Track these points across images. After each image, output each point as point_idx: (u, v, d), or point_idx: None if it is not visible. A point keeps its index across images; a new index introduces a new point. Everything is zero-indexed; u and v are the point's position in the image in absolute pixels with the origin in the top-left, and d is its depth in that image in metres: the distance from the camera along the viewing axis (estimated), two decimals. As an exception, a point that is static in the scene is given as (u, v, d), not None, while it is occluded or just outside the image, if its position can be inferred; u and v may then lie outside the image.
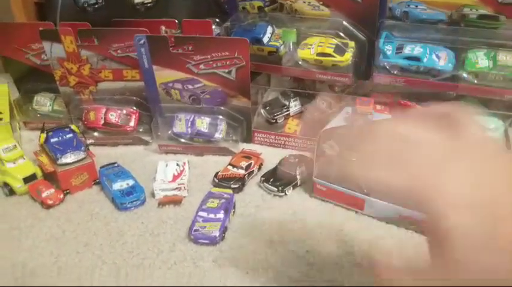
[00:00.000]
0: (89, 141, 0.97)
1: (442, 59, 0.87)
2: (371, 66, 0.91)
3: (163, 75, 0.93)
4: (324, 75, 0.93)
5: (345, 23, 0.92)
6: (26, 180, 0.86)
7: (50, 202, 0.83)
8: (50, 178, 0.88)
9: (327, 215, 0.81)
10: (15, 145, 0.88)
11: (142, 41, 0.89)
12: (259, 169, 0.93)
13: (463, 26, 0.86)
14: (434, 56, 0.87)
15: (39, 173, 0.88)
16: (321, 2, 0.92)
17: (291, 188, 0.86)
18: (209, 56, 0.90)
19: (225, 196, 0.81)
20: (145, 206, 0.84)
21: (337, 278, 0.68)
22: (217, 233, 0.74)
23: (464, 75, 0.86)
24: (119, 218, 0.81)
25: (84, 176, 0.87)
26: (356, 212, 0.81)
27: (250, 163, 0.90)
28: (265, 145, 1.01)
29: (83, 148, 0.88)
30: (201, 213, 0.77)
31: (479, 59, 0.85)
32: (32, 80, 1.06)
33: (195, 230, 0.75)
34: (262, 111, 1.03)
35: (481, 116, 0.91)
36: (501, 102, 0.90)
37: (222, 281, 0.68)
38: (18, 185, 0.85)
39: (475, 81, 0.85)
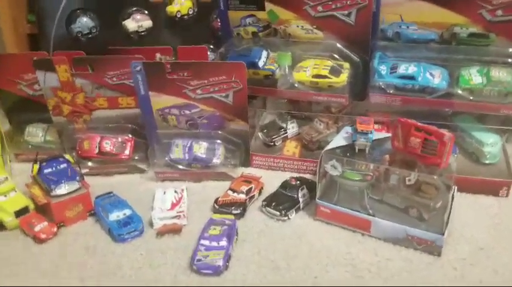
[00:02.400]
0: (83, 171, 0.94)
1: (436, 77, 0.88)
2: (366, 87, 0.92)
3: (160, 101, 0.92)
4: (320, 96, 0.93)
5: (338, 45, 0.93)
6: (18, 213, 0.82)
7: (43, 236, 0.79)
8: (43, 210, 0.85)
9: (332, 239, 0.79)
10: (7, 178, 0.85)
11: (138, 68, 0.88)
12: (260, 193, 0.91)
13: (455, 45, 0.87)
14: (428, 74, 0.88)
15: (31, 206, 0.85)
16: (314, 26, 0.93)
17: (294, 211, 0.84)
18: (206, 81, 0.89)
19: (227, 222, 0.79)
20: (144, 237, 0.80)
21: (348, 303, 0.65)
22: (221, 263, 0.71)
23: (459, 92, 0.86)
24: (116, 250, 0.77)
25: (79, 208, 0.84)
26: (362, 234, 0.79)
27: (251, 187, 0.89)
28: (264, 168, 0.99)
29: (77, 177, 0.85)
30: (203, 241, 0.75)
31: (473, 76, 0.86)
32: (24, 110, 1.04)
33: (198, 260, 0.72)
34: (259, 134, 1.02)
35: (480, 132, 0.92)
36: (496, 117, 0.91)
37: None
38: (8, 218, 0.81)
39: (471, 98, 0.86)
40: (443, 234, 0.73)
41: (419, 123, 0.74)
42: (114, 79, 0.94)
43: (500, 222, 0.82)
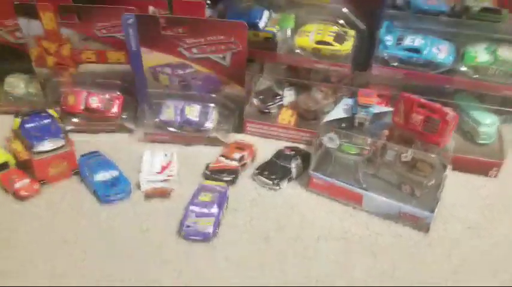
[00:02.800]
0: (68, 127, 0.89)
1: (442, 52, 0.84)
2: (369, 57, 0.88)
3: (152, 58, 0.87)
4: (322, 64, 0.89)
5: (345, 10, 0.88)
6: (-3, 169, 0.78)
7: (23, 194, 0.76)
8: (24, 166, 0.81)
9: (324, 211, 0.78)
10: (-15, 130, 0.80)
11: (130, 21, 0.82)
12: (253, 160, 0.88)
13: (465, 19, 0.84)
14: (435, 49, 0.84)
15: (12, 162, 0.81)
16: (324, -13, 0.88)
17: (286, 181, 0.83)
18: (203, 40, 0.84)
19: (219, 189, 0.77)
20: (131, 199, 0.78)
21: (336, 274, 0.65)
22: (210, 230, 0.70)
23: (464, 69, 0.84)
24: (103, 212, 0.75)
25: (63, 166, 0.81)
26: (354, 207, 0.78)
27: (244, 155, 0.86)
28: (257, 136, 0.97)
29: (61, 134, 0.81)
30: (193, 207, 0.73)
31: (479, 54, 0.83)
32: (4, 59, 0.96)
33: (187, 226, 0.70)
34: (254, 100, 0.98)
35: (478, 111, 0.91)
36: (495, 97, 0.89)
37: (216, 279, 0.64)
38: (-14, 174, 0.78)
39: (475, 76, 0.84)
40: (433, 212, 0.73)
41: (423, 100, 0.72)
42: (104, 31, 0.88)
43: (491, 203, 0.82)
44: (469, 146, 0.91)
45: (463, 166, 0.88)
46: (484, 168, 0.88)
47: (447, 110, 0.69)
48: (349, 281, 0.65)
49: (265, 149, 0.91)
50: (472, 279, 0.66)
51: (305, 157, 0.86)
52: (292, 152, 0.86)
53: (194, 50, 0.85)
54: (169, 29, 0.83)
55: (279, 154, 0.86)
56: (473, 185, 0.87)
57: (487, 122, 0.89)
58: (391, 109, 0.78)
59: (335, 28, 0.87)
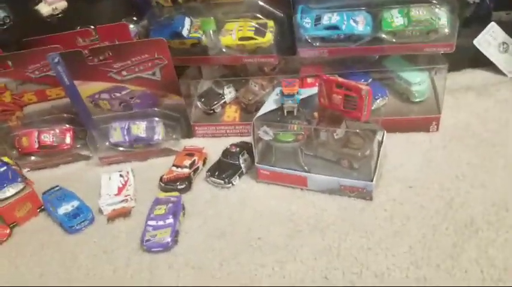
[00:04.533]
0: (27, 168, 0.94)
1: (360, 23, 0.87)
2: (294, 42, 0.91)
3: (88, 88, 0.91)
4: (251, 58, 0.92)
5: (260, 2, 0.91)
6: (-33, 223, 0.83)
7: (-4, 240, 0.81)
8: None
9: (274, 198, 0.83)
10: None
11: (56, 60, 0.85)
12: (204, 163, 0.93)
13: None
14: (352, 22, 0.87)
15: (-20, 213, 0.86)
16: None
17: (237, 177, 0.88)
18: (129, 62, 0.87)
19: (172, 199, 0.82)
20: (95, 225, 0.83)
21: (288, 259, 0.71)
22: (169, 239, 0.75)
23: (383, 35, 0.87)
24: (71, 241, 0.81)
25: (28, 206, 0.86)
26: (301, 189, 0.83)
27: (194, 160, 0.91)
28: (208, 137, 1.01)
29: (19, 178, 0.85)
30: (150, 222, 0.78)
31: (395, 18, 0.86)
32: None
33: (147, 240, 0.75)
34: (198, 103, 1.02)
35: (407, 72, 0.94)
36: (426, 56, 0.92)
37: (180, 285, 0.69)
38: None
39: (394, 40, 0.87)
40: (372, 180, 0.77)
41: (339, 79, 0.76)
42: (37, 72, 0.91)
43: (431, 157, 0.87)
44: (407, 106, 0.96)
45: (403, 127, 0.92)
46: (423, 125, 0.93)
47: (361, 85, 0.73)
48: (300, 262, 0.70)
49: (218, 148, 0.95)
50: (413, 235, 0.71)
51: (252, 150, 0.90)
52: (238, 149, 0.90)
53: (124, 73, 0.89)
54: (94, 58, 0.86)
55: (226, 153, 0.91)
56: (414, 143, 0.91)
57: (418, 81, 0.93)
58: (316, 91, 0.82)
59: (253, 23, 0.90)
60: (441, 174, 0.82)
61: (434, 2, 0.85)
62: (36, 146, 0.97)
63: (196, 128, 1.00)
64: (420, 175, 0.83)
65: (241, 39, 0.90)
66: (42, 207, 0.87)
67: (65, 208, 0.84)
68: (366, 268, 0.67)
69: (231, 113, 1.00)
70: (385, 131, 0.84)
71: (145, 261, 0.75)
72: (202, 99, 1.01)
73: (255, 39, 0.89)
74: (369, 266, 0.67)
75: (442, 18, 0.85)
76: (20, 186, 0.85)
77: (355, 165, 0.80)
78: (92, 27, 0.96)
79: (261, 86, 0.98)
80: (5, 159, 0.87)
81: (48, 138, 0.97)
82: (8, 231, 0.83)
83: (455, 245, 0.68)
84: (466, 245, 0.68)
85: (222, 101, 1.01)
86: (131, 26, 0.97)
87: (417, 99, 0.95)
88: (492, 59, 1.06)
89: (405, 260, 0.68)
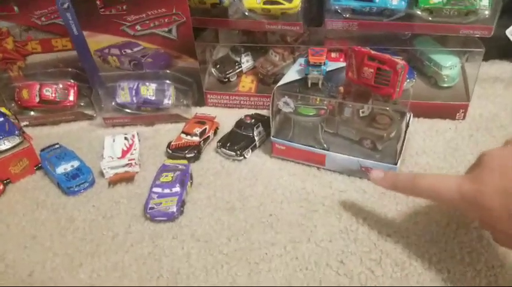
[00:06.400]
0: (25, 122, 0.88)
1: (394, -3, 0.81)
2: (322, 12, 0.85)
3: (97, 41, 0.84)
4: (274, 25, 0.86)
5: (290, -35, 0.84)
6: (-42, 173, 0.78)
7: (-13, 195, 0.76)
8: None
9: (288, 175, 0.78)
10: None
11: (66, 5, 0.78)
12: (215, 133, 0.88)
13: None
14: (386, -6, 0.81)
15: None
16: None
17: (250, 150, 0.82)
18: (145, 15, 0.81)
19: (180, 167, 0.76)
20: (95, 188, 0.78)
21: (302, 239, 0.66)
22: (174, 209, 0.70)
23: (419, 12, 0.81)
24: (68, 203, 0.75)
25: (24, 162, 0.80)
26: (318, 168, 0.78)
27: (205, 129, 0.85)
28: (220, 107, 0.95)
29: (17, 132, 0.79)
30: (155, 189, 0.73)
31: (433, -6, 0.80)
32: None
33: (151, 208, 0.70)
34: (212, 70, 0.96)
35: (438, 55, 0.89)
36: (457, 38, 0.87)
37: (184, 258, 0.65)
38: None
39: (430, 19, 0.81)
40: (396, 163, 0.72)
41: (372, 52, 0.70)
42: (43, 19, 0.84)
43: (455, 146, 0.82)
44: (435, 91, 0.91)
45: (429, 112, 0.87)
46: (450, 112, 0.88)
47: (397, 59, 0.67)
48: (314, 243, 0.65)
49: (230, 119, 0.90)
50: (434, 225, 0.67)
51: (267, 123, 0.85)
52: (253, 120, 0.85)
53: (138, 27, 0.82)
54: (108, 8, 0.79)
55: (240, 123, 0.85)
56: (438, 130, 0.86)
57: (448, 65, 0.88)
58: (345, 64, 0.76)
59: (281, -15, 0.83)
60: (465, 164, 0.77)
61: (477, -20, 0.79)
62: (37, 100, 0.91)
63: (208, 96, 0.94)
64: (443, 163, 0.79)
65: (266, 2, 0.83)
66: (40, 165, 0.82)
67: (64, 168, 0.78)
68: (386, 254, 0.63)
69: (247, 83, 0.94)
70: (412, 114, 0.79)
71: (148, 230, 0.70)
72: (217, 66, 0.95)
73: (282, 3, 0.83)
74: (389, 253, 0.63)
75: (484, -1, 0.79)
76: (17, 140, 0.79)
77: (378, 146, 0.75)
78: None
79: (281, 57, 0.91)
80: (3, 109, 0.81)
81: (50, 92, 0.90)
82: (0, 187, 0.78)
83: (481, 237, 0.64)
84: (491, 239, 0.63)
85: (239, 69, 0.95)
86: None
87: (446, 85, 0.89)
88: (524, 51, 1.01)
89: (427, 250, 0.63)
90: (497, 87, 0.98)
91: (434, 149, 0.82)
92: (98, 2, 0.79)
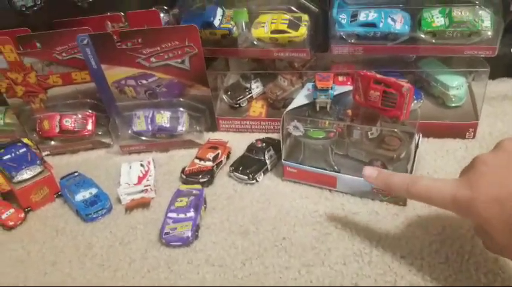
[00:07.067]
0: (46, 152, 0.92)
1: (397, 22, 0.84)
2: (328, 38, 0.88)
3: (114, 73, 0.88)
4: (282, 52, 0.89)
5: (295, -5, 0.88)
6: (-17, 203, 0.81)
7: (10, 223, 0.79)
8: (8, 197, 0.83)
9: (300, 198, 0.79)
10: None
11: (85, 41, 0.83)
12: (228, 157, 0.90)
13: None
14: (389, 20, 0.84)
15: (-4, 194, 0.84)
16: (270, -25, 0.88)
17: (262, 174, 0.84)
18: (159, 48, 0.85)
19: (194, 192, 0.78)
20: (113, 214, 0.80)
21: (315, 262, 0.67)
22: (189, 234, 0.71)
23: (422, 35, 0.83)
24: (86, 230, 0.77)
25: (45, 191, 0.83)
26: (330, 190, 0.79)
27: (218, 153, 0.87)
28: (232, 131, 0.98)
29: (38, 161, 0.83)
30: (170, 214, 0.75)
31: (435, 18, 0.83)
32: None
33: (166, 233, 0.72)
34: (224, 96, 0.99)
35: (444, 75, 0.90)
36: (462, 59, 0.89)
37: (199, 282, 0.66)
38: (-26, 209, 0.80)
39: (433, 41, 0.83)
40: (406, 184, 0.73)
41: (378, 76, 0.72)
42: (64, 54, 0.89)
43: (465, 165, 0.82)
44: (443, 111, 0.92)
45: (439, 132, 0.88)
46: (460, 131, 0.89)
47: (402, 82, 0.69)
48: (328, 267, 0.66)
49: (242, 143, 0.92)
50: (449, 246, 0.67)
51: (278, 147, 0.86)
52: (264, 144, 0.87)
53: (153, 59, 0.86)
54: (124, 43, 0.84)
55: (251, 148, 0.87)
56: (449, 150, 0.87)
57: (455, 85, 0.89)
58: (351, 88, 0.78)
59: (287, 16, 0.87)
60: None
61: (477, 2, 0.82)
62: (57, 130, 0.95)
63: (220, 121, 0.97)
64: (456, 183, 0.78)
65: (273, 32, 0.87)
66: (59, 193, 0.85)
67: (83, 195, 0.81)
68: (401, 277, 0.63)
69: (257, 108, 0.97)
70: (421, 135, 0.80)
71: (164, 255, 0.71)
72: (229, 93, 0.98)
73: (288, 32, 0.86)
74: (404, 275, 0.63)
75: (486, 20, 0.81)
76: (38, 169, 0.83)
77: (389, 167, 0.76)
78: (122, 13, 0.94)
79: (290, 82, 0.94)
80: (26, 140, 0.85)
81: (69, 123, 0.95)
82: (22, 215, 0.80)
83: (497, 259, 0.64)
84: (507, 259, 0.63)
85: (249, 95, 0.98)
86: (162, 14, 0.95)
87: (454, 104, 0.90)
88: (530, 69, 1.02)
89: (442, 271, 0.63)
90: (505, 105, 0.98)
91: (445, 169, 0.82)
92: (114, 37, 0.83)
